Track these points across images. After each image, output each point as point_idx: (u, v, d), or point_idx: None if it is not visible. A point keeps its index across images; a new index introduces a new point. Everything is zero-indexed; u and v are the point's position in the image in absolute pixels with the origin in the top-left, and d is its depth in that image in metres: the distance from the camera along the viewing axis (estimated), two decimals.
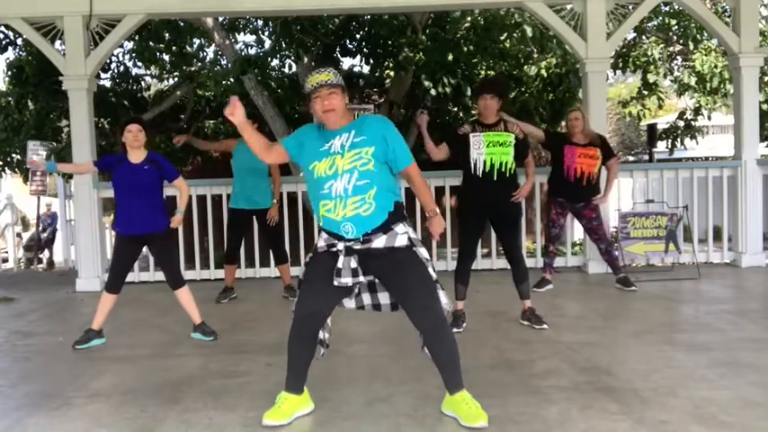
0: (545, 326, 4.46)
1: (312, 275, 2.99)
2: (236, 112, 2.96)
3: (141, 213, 4.39)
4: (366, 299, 3.13)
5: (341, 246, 2.92)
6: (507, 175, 4.36)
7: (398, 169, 3.02)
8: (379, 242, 2.90)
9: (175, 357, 4.11)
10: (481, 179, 4.38)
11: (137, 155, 4.44)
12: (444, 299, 2.94)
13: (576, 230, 8.81)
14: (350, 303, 3.12)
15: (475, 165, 4.37)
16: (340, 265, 2.90)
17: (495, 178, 4.35)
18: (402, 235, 2.92)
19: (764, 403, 3.03)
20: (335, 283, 2.91)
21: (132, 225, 4.42)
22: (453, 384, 2.94)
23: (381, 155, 2.94)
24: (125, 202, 4.45)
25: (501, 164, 4.34)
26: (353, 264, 2.90)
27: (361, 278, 2.93)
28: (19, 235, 12.48)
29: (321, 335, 3.07)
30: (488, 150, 4.34)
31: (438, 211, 3.10)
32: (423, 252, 2.96)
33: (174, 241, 4.69)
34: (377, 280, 3.05)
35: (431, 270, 2.94)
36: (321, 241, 3.02)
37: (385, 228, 2.92)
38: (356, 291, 3.06)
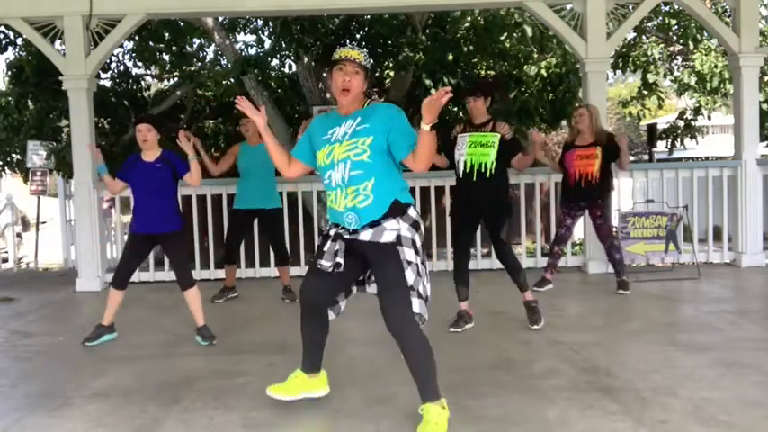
0: (536, 326, 4.41)
1: (315, 262, 2.98)
2: (258, 114, 3.00)
3: (154, 212, 4.41)
4: (369, 288, 3.08)
5: (332, 232, 2.91)
6: (488, 175, 4.35)
7: (398, 159, 2.88)
8: (365, 235, 2.83)
9: (175, 357, 4.11)
10: (462, 180, 4.46)
11: (150, 153, 4.46)
12: (418, 308, 2.77)
13: (575, 231, 8.80)
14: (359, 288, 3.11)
15: (457, 165, 4.45)
16: (325, 248, 2.90)
17: (474, 179, 4.38)
18: (390, 231, 2.80)
19: (764, 403, 3.03)
20: (318, 265, 2.91)
21: (145, 224, 4.44)
22: (423, 393, 2.82)
23: (380, 146, 2.82)
24: (139, 201, 4.49)
25: (480, 164, 4.35)
26: (336, 248, 2.87)
27: (339, 260, 2.87)
28: (19, 235, 12.45)
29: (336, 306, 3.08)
30: (468, 151, 4.39)
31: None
32: (407, 253, 2.79)
33: (187, 241, 4.61)
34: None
35: (409, 273, 2.77)
36: (329, 228, 3.01)
37: (375, 222, 2.82)
38: (361, 279, 3.05)
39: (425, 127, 2.72)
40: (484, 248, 7.29)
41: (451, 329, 4.48)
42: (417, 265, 2.80)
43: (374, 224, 2.82)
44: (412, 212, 2.88)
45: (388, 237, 2.80)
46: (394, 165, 2.90)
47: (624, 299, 5.45)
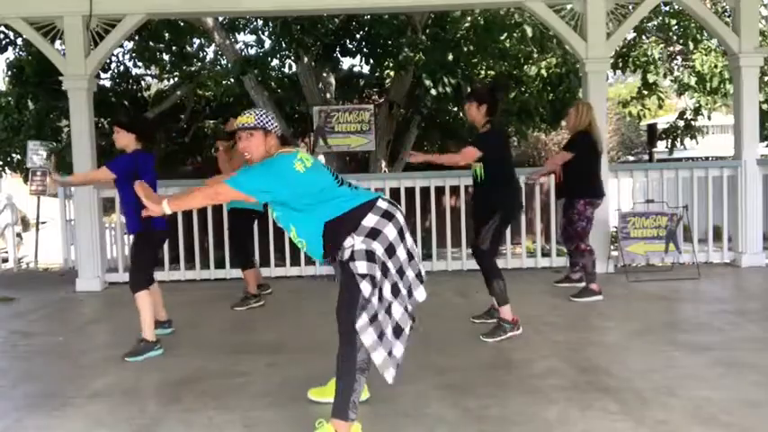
0: (486, 339, 4.22)
1: None
2: None
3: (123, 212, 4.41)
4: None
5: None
6: (479, 180, 4.49)
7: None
8: (341, 255, 2.80)
9: (175, 357, 4.11)
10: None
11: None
12: (359, 324, 2.68)
13: None
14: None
15: None
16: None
17: (474, 185, 4.58)
18: (347, 249, 2.76)
19: (764, 403, 3.03)
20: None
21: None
22: (333, 408, 2.79)
23: (276, 200, 2.83)
24: None
25: (474, 170, 4.51)
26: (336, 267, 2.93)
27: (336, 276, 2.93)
28: (19, 235, 12.45)
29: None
30: None
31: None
32: (358, 266, 2.72)
33: (145, 244, 4.34)
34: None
35: (364, 285, 2.69)
36: None
37: (336, 247, 2.80)
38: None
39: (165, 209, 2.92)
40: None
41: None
42: (373, 276, 2.72)
43: (338, 246, 2.79)
44: (367, 221, 2.77)
45: (345, 255, 2.77)
46: (308, 202, 2.80)
47: (624, 299, 5.43)
